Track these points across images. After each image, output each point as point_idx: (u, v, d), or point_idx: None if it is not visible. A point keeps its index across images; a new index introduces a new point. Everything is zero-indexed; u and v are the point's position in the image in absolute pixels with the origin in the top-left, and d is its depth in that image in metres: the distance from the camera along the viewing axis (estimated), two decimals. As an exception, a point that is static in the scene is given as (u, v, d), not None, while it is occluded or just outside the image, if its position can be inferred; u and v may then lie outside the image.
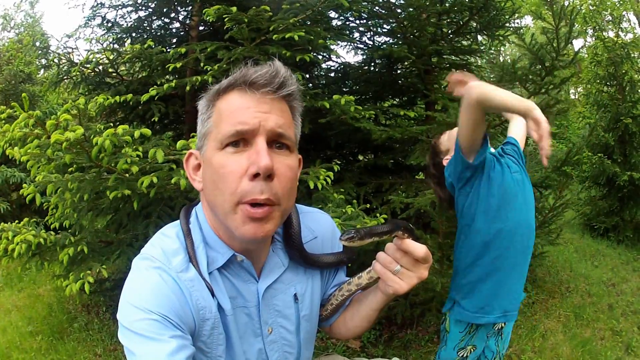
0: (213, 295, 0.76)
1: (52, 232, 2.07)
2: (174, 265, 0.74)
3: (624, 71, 4.69)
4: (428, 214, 2.21)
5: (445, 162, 1.48)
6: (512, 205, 1.36)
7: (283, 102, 0.76)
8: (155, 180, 1.74)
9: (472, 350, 1.44)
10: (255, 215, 0.71)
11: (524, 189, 1.41)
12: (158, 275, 0.73)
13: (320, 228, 0.94)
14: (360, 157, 3.23)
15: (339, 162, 3.00)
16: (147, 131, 1.80)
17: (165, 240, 0.79)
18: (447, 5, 2.67)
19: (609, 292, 3.29)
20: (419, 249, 0.75)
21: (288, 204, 0.76)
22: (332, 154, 3.09)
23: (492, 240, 1.35)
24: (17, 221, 2.18)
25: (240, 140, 0.72)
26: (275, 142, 0.74)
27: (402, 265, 0.77)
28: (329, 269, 0.96)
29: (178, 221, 0.84)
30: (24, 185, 2.15)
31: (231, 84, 0.75)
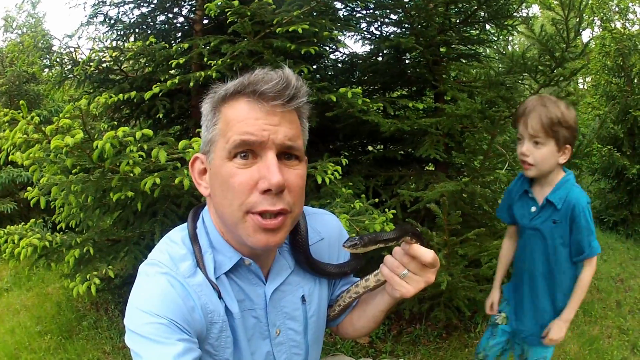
0: (220, 297, 0.77)
1: (57, 234, 2.06)
2: (182, 271, 0.75)
3: (631, 63, 4.61)
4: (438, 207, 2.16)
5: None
6: None
7: (293, 111, 0.76)
8: (158, 181, 1.73)
9: None
10: (269, 227, 0.72)
11: None
12: (166, 281, 0.73)
13: (327, 229, 0.95)
14: (370, 148, 3.20)
15: (347, 154, 2.97)
16: (149, 132, 1.79)
17: (173, 245, 0.80)
18: (454, -6, 2.61)
19: (617, 288, 3.25)
20: (427, 254, 0.75)
21: (298, 210, 0.77)
22: (340, 145, 3.06)
23: None
24: (23, 223, 2.18)
25: (249, 152, 0.71)
26: (285, 153, 0.73)
27: (409, 270, 0.77)
28: (330, 279, 0.96)
29: (184, 225, 0.84)
30: (29, 188, 2.14)
31: (238, 90, 0.74)
